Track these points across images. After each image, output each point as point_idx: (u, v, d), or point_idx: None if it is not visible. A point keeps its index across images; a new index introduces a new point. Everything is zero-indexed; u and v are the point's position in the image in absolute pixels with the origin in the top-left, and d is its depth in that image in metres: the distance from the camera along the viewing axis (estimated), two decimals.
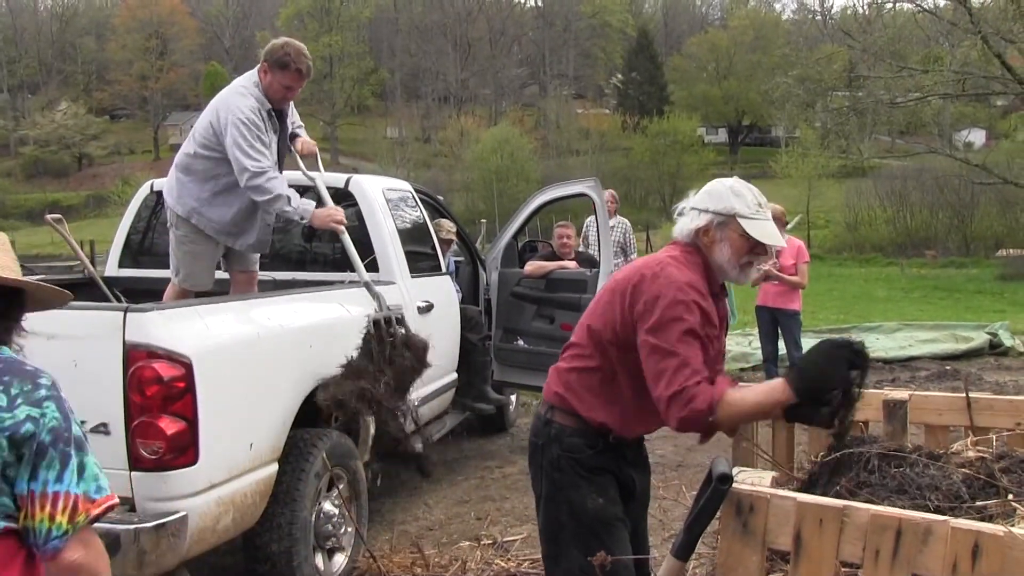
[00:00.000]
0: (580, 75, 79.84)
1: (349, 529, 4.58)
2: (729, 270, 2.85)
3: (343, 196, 5.67)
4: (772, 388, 2.62)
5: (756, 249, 2.84)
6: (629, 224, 10.35)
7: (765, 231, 2.82)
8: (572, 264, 7.67)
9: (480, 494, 6.32)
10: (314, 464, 4.18)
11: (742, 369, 10.67)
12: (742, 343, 11.77)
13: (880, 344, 12.19)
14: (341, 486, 4.52)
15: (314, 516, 4.25)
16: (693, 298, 2.68)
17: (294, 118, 5.20)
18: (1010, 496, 2.66)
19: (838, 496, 2.70)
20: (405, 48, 77.41)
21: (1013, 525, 2.33)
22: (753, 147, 68.22)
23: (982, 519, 2.47)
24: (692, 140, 59.03)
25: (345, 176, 5.81)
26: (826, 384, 2.50)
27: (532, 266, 7.61)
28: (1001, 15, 25.48)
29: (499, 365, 7.40)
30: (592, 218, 8.24)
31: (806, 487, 3.03)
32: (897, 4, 29.25)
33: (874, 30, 29.51)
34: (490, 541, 5.22)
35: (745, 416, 2.74)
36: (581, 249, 8.74)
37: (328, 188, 5.62)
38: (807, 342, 8.48)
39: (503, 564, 4.83)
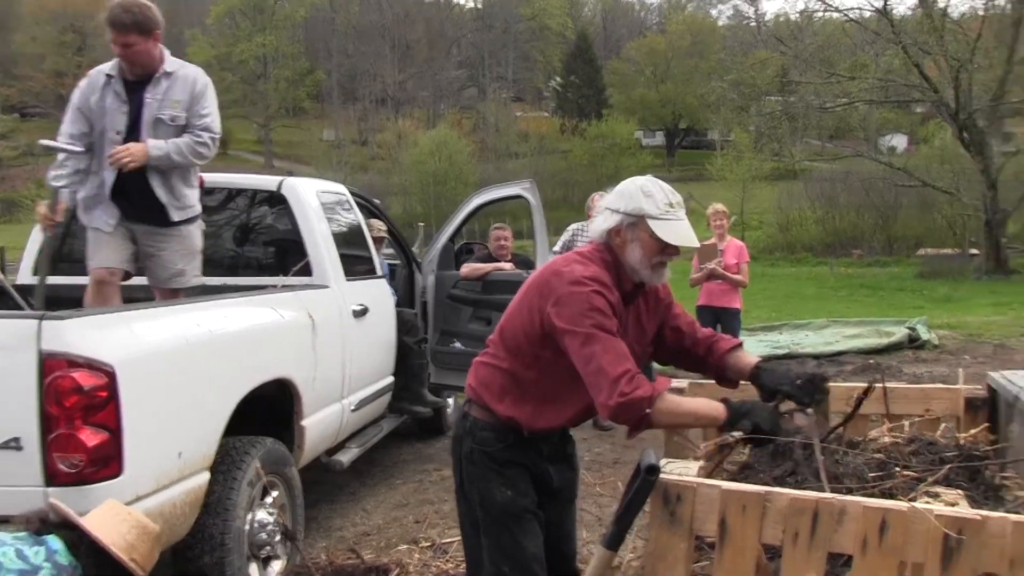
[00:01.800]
0: (519, 78, 79.88)
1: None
2: (640, 271, 2.87)
3: (276, 199, 5.61)
4: (711, 407, 2.80)
5: (667, 250, 2.86)
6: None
7: (675, 232, 2.83)
8: (508, 266, 7.69)
9: (418, 497, 6.30)
10: (247, 472, 4.11)
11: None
12: None
13: (809, 340, 12.65)
14: (276, 493, 4.45)
15: (248, 525, 4.16)
16: (598, 289, 2.74)
17: (175, 95, 4.58)
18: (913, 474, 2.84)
19: (767, 485, 2.77)
20: (342, 49, 76.31)
21: (915, 501, 2.47)
22: (690, 150, 68.89)
23: (891, 498, 2.60)
24: (630, 143, 59.46)
25: (278, 179, 5.74)
26: (758, 430, 2.80)
27: (468, 268, 7.61)
28: (918, 27, 26.31)
29: (436, 368, 7.40)
30: (579, 225, 8.27)
31: (738, 478, 3.10)
32: (826, 13, 29.95)
33: (805, 37, 30.20)
34: (429, 544, 5.22)
35: (679, 418, 2.84)
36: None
37: (260, 191, 5.57)
38: (742, 340, 8.64)
39: (442, 566, 4.84)
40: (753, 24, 52.37)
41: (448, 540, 5.21)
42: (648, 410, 2.63)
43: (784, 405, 2.94)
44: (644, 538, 3.57)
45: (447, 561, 4.89)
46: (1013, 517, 2.30)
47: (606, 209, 2.92)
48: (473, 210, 7.89)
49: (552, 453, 3.04)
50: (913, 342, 12.52)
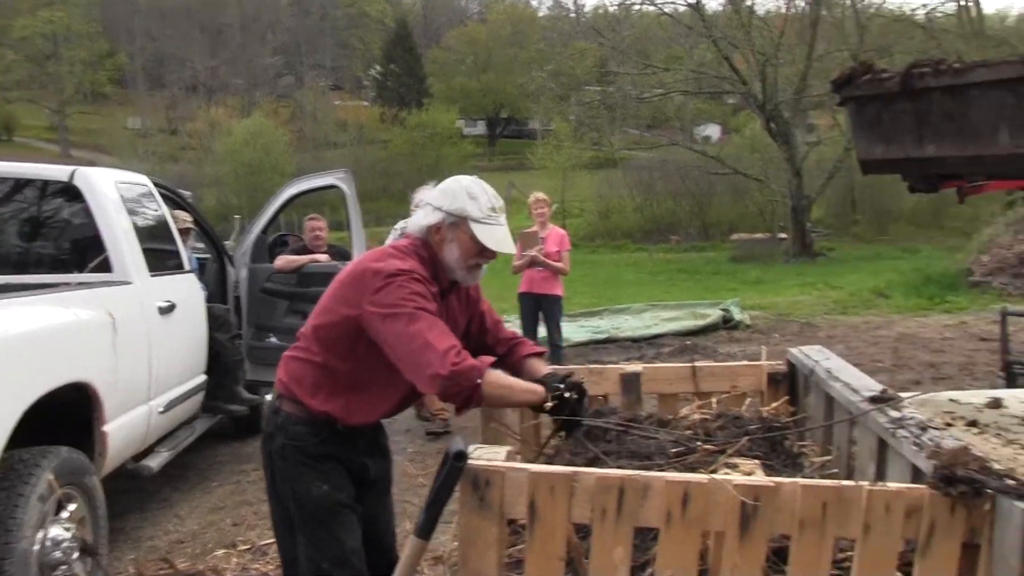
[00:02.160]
0: (338, 66, 78.49)
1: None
2: (456, 270, 2.90)
3: (69, 191, 5.25)
4: (535, 391, 2.87)
5: (485, 253, 2.89)
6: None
7: (495, 237, 2.88)
8: (324, 257, 7.57)
9: (236, 499, 6.11)
10: (36, 487, 3.78)
11: None
12: None
13: (629, 324, 13.02)
14: (74, 506, 4.14)
15: (38, 544, 3.81)
16: (417, 277, 2.75)
17: None
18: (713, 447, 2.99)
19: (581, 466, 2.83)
20: (145, 31, 71.96)
21: (715, 473, 2.58)
22: (511, 139, 69.62)
23: (695, 471, 2.70)
24: (451, 132, 59.51)
25: (70, 168, 5.37)
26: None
27: (283, 260, 7.49)
28: (728, 23, 27.58)
29: (252, 364, 7.26)
30: (407, 222, 8.12)
31: (555, 461, 3.14)
32: (643, 6, 30.87)
33: (623, 29, 30.98)
34: (247, 547, 5.10)
35: (506, 391, 2.83)
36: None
37: (51, 182, 5.21)
38: (561, 326, 8.79)
39: (261, 568, 4.73)
40: (573, 15, 53.35)
41: (267, 542, 5.07)
42: (479, 380, 2.63)
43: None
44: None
45: (267, 563, 4.78)
46: (802, 481, 2.42)
47: (428, 205, 2.92)
48: (286, 201, 7.72)
49: (368, 446, 3.03)
50: (727, 323, 13.16)
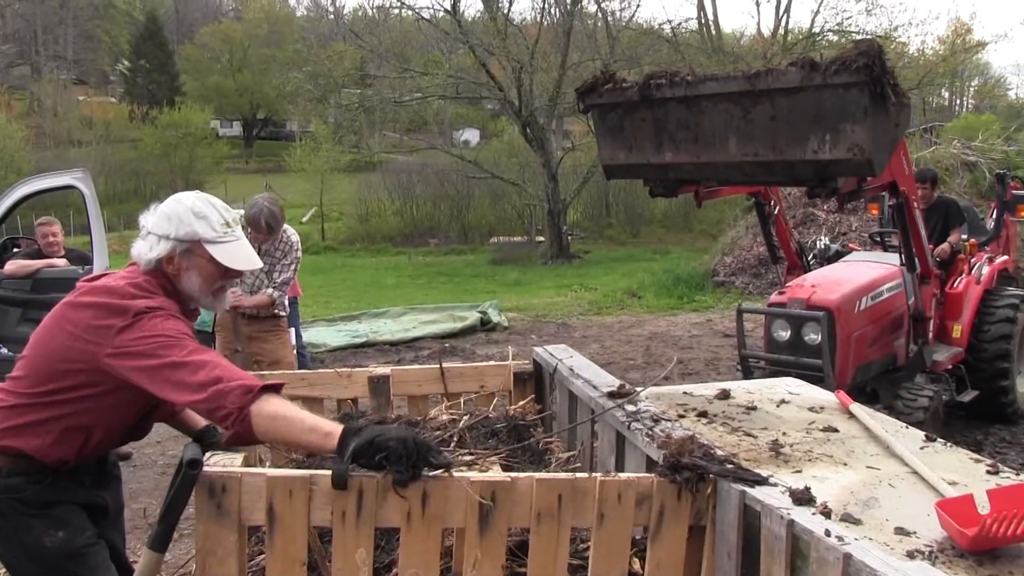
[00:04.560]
0: (81, 59, 73.50)
1: None
2: (201, 299, 2.67)
3: None
4: (323, 424, 2.39)
5: (229, 273, 2.68)
6: None
7: (236, 255, 2.66)
8: (62, 262, 7.11)
9: None
10: None
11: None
12: None
13: (387, 328, 13.01)
14: None
15: None
16: (170, 315, 2.51)
17: None
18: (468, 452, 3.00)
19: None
20: None
21: (463, 471, 2.60)
22: (269, 141, 67.97)
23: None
24: (206, 133, 57.29)
25: None
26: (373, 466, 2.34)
27: (15, 265, 7.06)
28: (485, 29, 28.23)
29: None
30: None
31: (303, 467, 3.11)
32: (401, 10, 31.00)
33: (381, 32, 30.95)
34: None
35: (284, 423, 2.35)
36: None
37: None
38: (319, 331, 8.64)
39: None
40: (331, 17, 52.69)
41: None
42: (249, 406, 2.31)
43: None
44: None
45: None
46: (537, 476, 2.50)
47: (151, 235, 2.62)
48: (17, 201, 7.27)
49: (95, 481, 2.74)
50: (485, 324, 13.38)
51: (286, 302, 6.24)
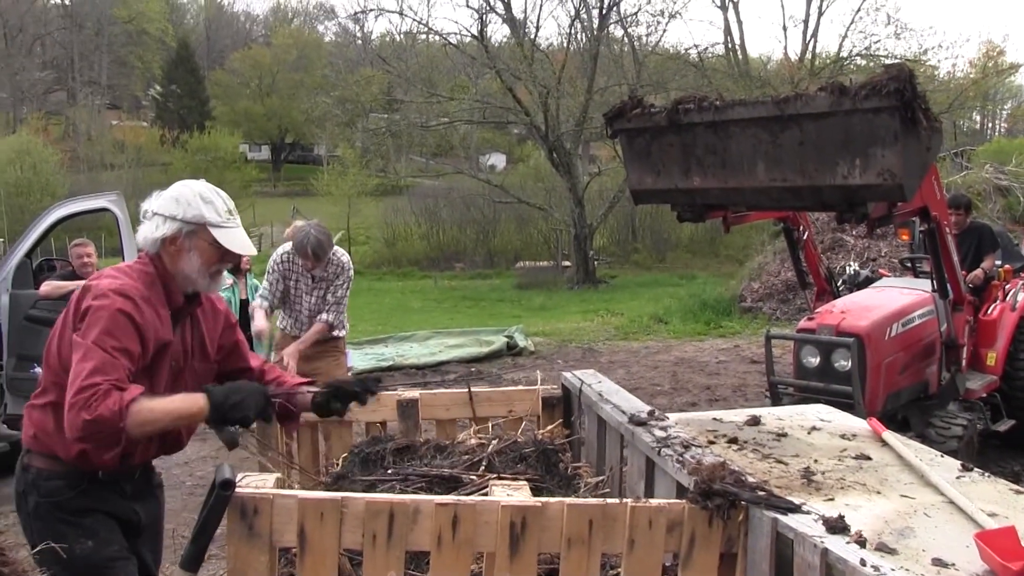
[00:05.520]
0: (114, 84, 74.50)
1: None
2: (198, 279, 2.77)
3: None
4: (190, 401, 2.59)
5: (227, 257, 2.80)
6: None
7: (235, 240, 2.78)
8: None
9: None
10: None
11: None
12: None
13: (414, 351, 13.00)
14: None
15: None
16: (120, 306, 2.54)
17: None
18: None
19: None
20: None
21: (487, 495, 2.62)
22: (296, 165, 68.49)
23: (469, 494, 2.76)
24: (234, 157, 57.85)
25: None
26: (237, 416, 2.62)
27: (49, 286, 7.14)
28: (512, 55, 28.40)
29: (13, 397, 6.83)
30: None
31: (333, 489, 3.11)
32: (429, 35, 31.28)
33: (409, 57, 31.22)
34: None
35: (159, 423, 2.54)
36: None
37: None
38: (349, 352, 8.64)
39: None
40: (359, 42, 53.20)
41: None
42: (122, 424, 2.40)
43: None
44: None
45: None
46: (568, 501, 2.49)
47: (156, 215, 2.74)
48: (53, 224, 7.38)
49: (135, 491, 2.80)
50: (511, 349, 13.34)
51: (345, 322, 6.29)
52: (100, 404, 2.37)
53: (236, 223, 2.82)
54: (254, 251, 2.99)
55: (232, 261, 2.87)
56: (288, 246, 6.04)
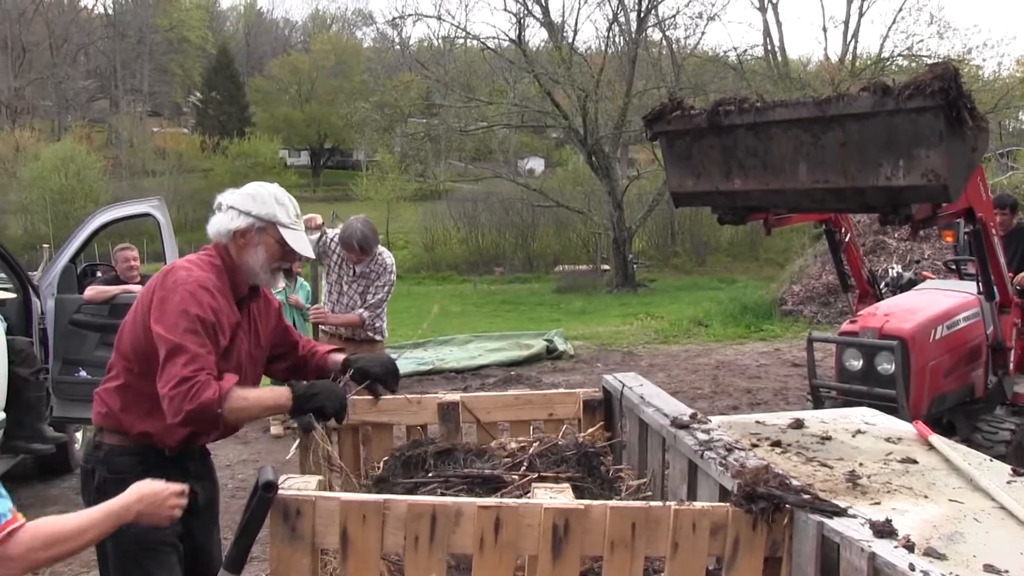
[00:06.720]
0: (156, 91, 75.43)
1: None
2: (261, 274, 2.92)
3: None
4: (277, 393, 2.82)
5: (288, 257, 2.96)
6: None
7: (299, 242, 2.95)
8: (138, 288, 7.23)
9: None
10: None
11: None
12: None
13: (453, 355, 13.01)
14: None
15: None
16: (201, 297, 2.70)
17: None
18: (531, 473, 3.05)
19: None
20: None
21: (530, 497, 2.61)
22: (335, 170, 68.84)
23: (511, 495, 2.77)
24: (274, 162, 58.43)
25: None
26: (314, 407, 2.86)
27: (94, 291, 7.19)
28: (550, 59, 28.43)
29: (59, 400, 6.90)
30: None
31: (374, 491, 3.15)
32: (467, 40, 31.41)
33: (447, 62, 31.37)
34: None
35: (251, 411, 2.82)
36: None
37: None
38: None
39: None
40: (397, 48, 53.49)
41: None
42: (220, 410, 2.60)
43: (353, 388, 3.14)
44: None
45: None
46: (611, 504, 2.49)
47: (232, 209, 2.90)
48: (97, 229, 7.44)
49: (198, 470, 2.96)
50: (551, 353, 13.32)
51: (384, 329, 6.32)
52: (201, 394, 2.55)
53: (301, 227, 3.00)
54: (312, 255, 3.16)
55: (292, 261, 3.02)
56: (335, 235, 6.09)
